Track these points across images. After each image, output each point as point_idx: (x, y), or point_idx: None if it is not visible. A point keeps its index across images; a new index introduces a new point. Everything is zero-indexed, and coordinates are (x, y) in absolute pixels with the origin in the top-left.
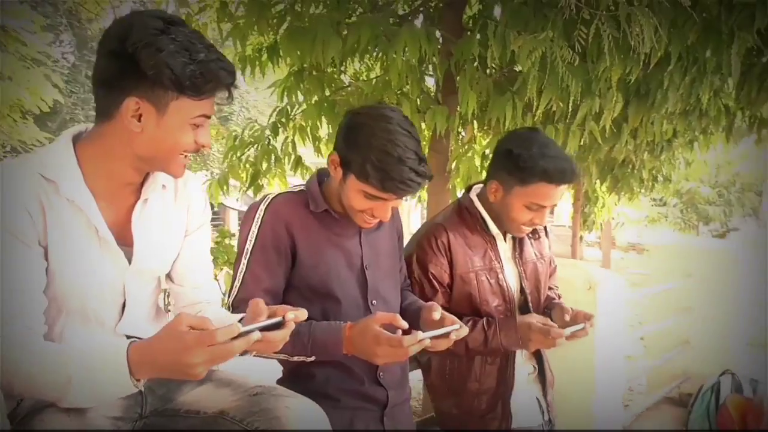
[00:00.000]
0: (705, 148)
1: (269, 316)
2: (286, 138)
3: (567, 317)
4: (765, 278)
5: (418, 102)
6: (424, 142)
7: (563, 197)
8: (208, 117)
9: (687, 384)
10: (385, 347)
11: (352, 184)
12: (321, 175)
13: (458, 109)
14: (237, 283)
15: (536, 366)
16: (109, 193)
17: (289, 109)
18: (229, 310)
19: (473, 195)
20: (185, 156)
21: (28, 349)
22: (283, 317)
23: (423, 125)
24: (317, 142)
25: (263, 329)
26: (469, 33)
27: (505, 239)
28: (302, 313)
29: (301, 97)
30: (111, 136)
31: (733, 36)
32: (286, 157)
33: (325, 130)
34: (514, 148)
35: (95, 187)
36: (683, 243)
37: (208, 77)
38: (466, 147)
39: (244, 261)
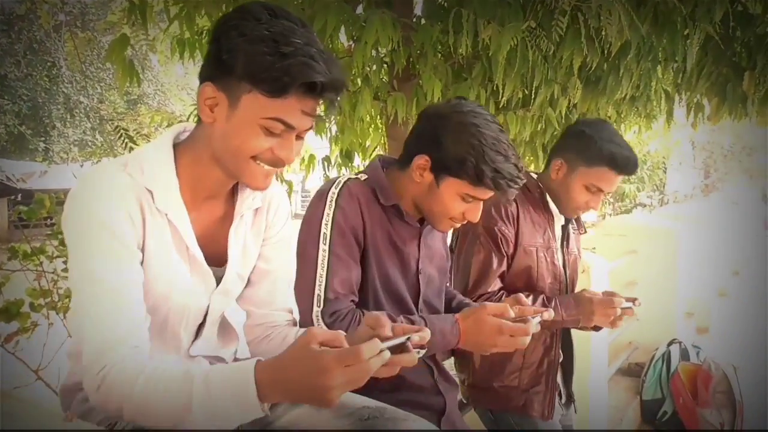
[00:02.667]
0: (647, 130)
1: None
2: None
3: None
4: (689, 250)
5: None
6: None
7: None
8: (288, 126)
9: (635, 354)
10: (505, 337)
11: (451, 187)
12: (383, 165)
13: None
14: (321, 272)
15: (561, 353)
16: (200, 203)
17: None
18: (318, 306)
19: (533, 174)
20: (259, 164)
21: (139, 372)
22: (408, 338)
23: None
24: None
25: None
26: (424, 19)
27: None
28: (426, 334)
29: None
30: (200, 136)
31: (686, 26)
32: None
33: None
34: (587, 130)
35: (188, 196)
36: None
37: (287, 72)
38: None
39: (324, 247)
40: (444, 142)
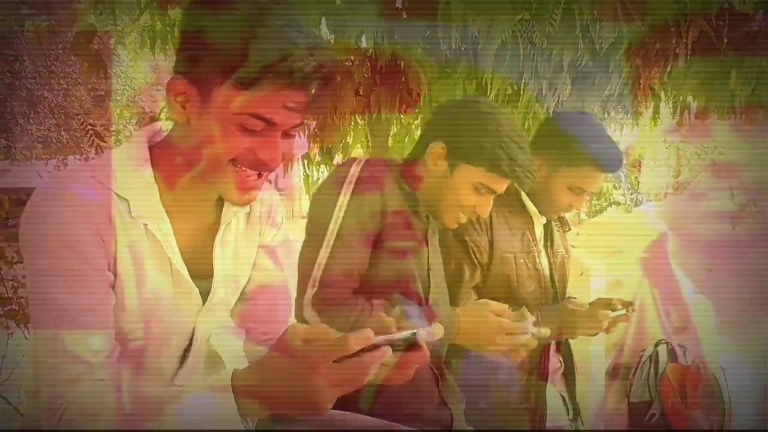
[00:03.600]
0: (633, 128)
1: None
2: None
3: (617, 307)
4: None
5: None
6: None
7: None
8: (268, 122)
9: (621, 356)
10: (503, 336)
11: (465, 174)
12: None
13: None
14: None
15: (562, 362)
16: (185, 211)
17: None
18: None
19: None
20: (239, 167)
21: (101, 406)
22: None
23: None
24: None
25: (392, 345)
26: (405, 12)
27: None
28: (438, 330)
29: None
30: (178, 137)
31: (679, 23)
32: None
33: None
34: (568, 126)
35: (170, 204)
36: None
37: (259, 58)
38: (404, 130)
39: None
40: (461, 128)
